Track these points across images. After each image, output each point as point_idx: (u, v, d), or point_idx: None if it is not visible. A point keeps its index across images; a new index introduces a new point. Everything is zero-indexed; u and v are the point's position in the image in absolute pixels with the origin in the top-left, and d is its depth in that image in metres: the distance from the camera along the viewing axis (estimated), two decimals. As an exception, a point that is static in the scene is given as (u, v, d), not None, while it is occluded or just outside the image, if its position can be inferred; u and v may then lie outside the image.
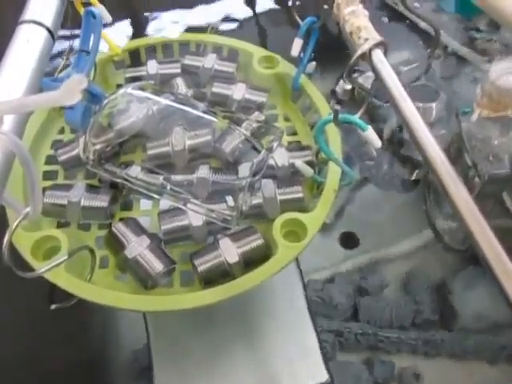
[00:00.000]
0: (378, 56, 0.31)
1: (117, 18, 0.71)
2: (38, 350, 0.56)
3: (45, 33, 0.33)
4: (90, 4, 0.47)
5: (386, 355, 0.63)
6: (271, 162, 0.47)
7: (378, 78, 0.31)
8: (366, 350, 0.64)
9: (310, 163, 0.47)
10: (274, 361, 0.53)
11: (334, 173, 0.45)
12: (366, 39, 0.31)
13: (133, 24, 0.70)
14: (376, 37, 0.32)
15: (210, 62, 0.54)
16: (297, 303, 0.58)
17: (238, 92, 0.51)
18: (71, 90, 0.23)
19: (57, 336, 0.59)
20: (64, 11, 0.38)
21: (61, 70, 0.41)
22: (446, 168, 0.25)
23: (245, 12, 0.69)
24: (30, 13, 0.34)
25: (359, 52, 0.32)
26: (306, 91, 0.51)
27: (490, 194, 0.44)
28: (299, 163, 0.45)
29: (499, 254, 0.23)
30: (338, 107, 0.60)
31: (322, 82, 0.65)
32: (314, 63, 0.53)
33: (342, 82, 0.56)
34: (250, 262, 0.42)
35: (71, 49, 0.40)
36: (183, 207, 0.43)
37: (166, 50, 0.57)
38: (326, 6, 0.41)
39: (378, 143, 0.41)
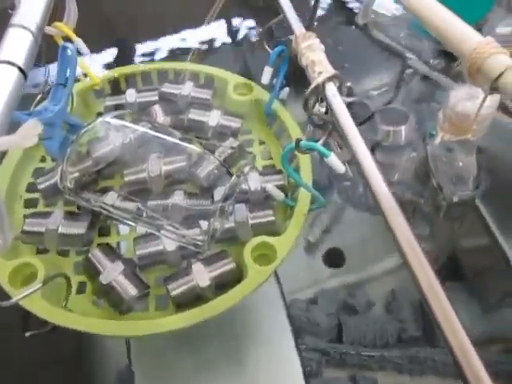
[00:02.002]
0: (330, 90, 0.33)
1: (103, 45, 0.74)
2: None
3: (16, 72, 0.34)
4: (68, 38, 0.49)
5: (370, 373, 0.64)
6: (244, 186, 0.49)
7: (330, 111, 0.32)
8: (351, 367, 0.64)
9: (282, 187, 0.48)
10: (257, 378, 0.54)
11: (303, 197, 0.46)
12: (320, 73, 0.33)
13: (119, 51, 0.72)
14: (330, 70, 0.33)
15: (186, 89, 0.55)
16: (279, 322, 0.59)
17: (213, 118, 0.53)
18: (27, 134, 0.25)
19: (42, 359, 0.60)
20: (38, 49, 0.40)
21: (36, 104, 0.43)
22: (391, 204, 0.27)
23: (226, 38, 0.71)
24: (1, 52, 0.35)
25: (313, 85, 0.33)
26: (279, 116, 0.52)
27: (457, 215, 0.45)
28: (270, 187, 0.47)
29: (440, 297, 0.24)
30: (313, 130, 0.61)
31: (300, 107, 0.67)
32: (287, 89, 0.54)
33: (317, 106, 0.57)
34: (222, 285, 0.43)
35: (46, 82, 0.42)
36: (157, 233, 0.45)
37: (145, 78, 0.58)
38: (291, 37, 0.43)
39: (341, 169, 0.42)
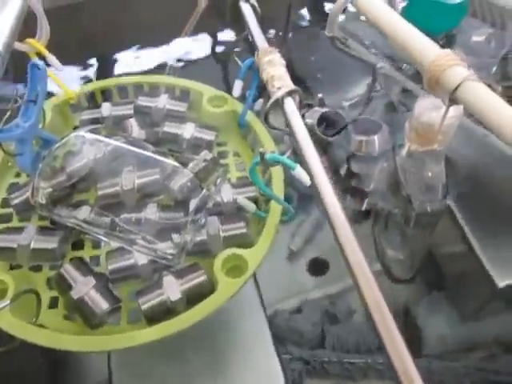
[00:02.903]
0: (288, 104, 0.33)
1: (83, 58, 0.74)
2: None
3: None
4: (40, 55, 0.49)
5: (353, 382, 0.64)
6: (218, 198, 0.49)
7: (288, 124, 0.32)
8: (333, 377, 0.64)
9: (254, 199, 0.49)
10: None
11: (275, 208, 0.46)
12: (279, 88, 0.33)
13: (99, 64, 0.73)
14: (289, 85, 0.33)
15: (162, 102, 0.56)
16: (260, 333, 0.59)
17: (188, 131, 0.53)
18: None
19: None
20: (5, 66, 0.40)
21: (6, 121, 0.43)
22: (342, 221, 0.27)
23: (204, 51, 0.72)
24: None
25: (272, 99, 0.34)
26: (253, 128, 0.53)
27: (426, 224, 0.45)
28: (241, 199, 0.47)
29: (385, 316, 0.24)
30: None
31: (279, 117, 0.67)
32: (260, 100, 0.55)
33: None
34: (194, 298, 0.43)
35: (16, 100, 0.42)
36: (128, 247, 0.45)
37: (121, 91, 0.59)
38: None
39: (307, 181, 0.42)
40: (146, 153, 0.50)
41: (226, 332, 0.58)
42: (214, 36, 0.75)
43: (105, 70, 0.72)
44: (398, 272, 0.55)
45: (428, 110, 0.40)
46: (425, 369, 0.64)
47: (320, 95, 0.55)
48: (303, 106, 0.57)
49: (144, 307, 0.42)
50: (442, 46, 0.66)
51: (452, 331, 0.65)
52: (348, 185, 0.58)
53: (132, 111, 0.56)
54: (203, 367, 0.55)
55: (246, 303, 0.62)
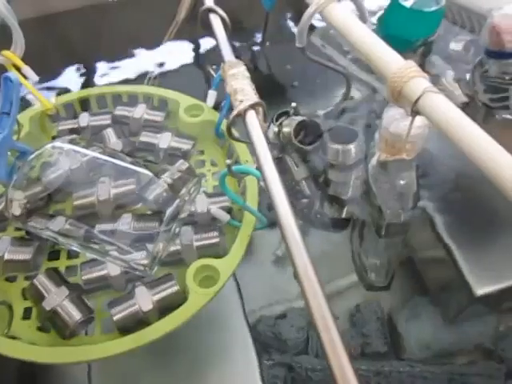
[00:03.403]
0: (250, 118, 0.33)
1: (64, 67, 0.75)
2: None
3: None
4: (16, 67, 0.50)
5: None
6: (192, 208, 0.49)
7: (249, 137, 0.33)
8: (318, 383, 0.64)
9: (229, 208, 0.49)
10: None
11: (248, 218, 0.47)
12: (241, 101, 0.34)
13: (81, 73, 0.73)
14: (251, 99, 0.34)
15: (139, 112, 0.56)
16: (242, 341, 0.59)
17: (164, 141, 0.54)
18: None
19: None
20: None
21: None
22: (293, 232, 0.27)
23: (185, 58, 0.72)
24: None
25: (234, 113, 0.34)
26: (227, 137, 0.53)
27: (397, 232, 0.45)
28: (214, 209, 0.47)
29: (329, 327, 0.24)
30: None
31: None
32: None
33: (272, 125, 0.58)
34: (167, 308, 0.43)
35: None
36: (101, 259, 0.45)
37: (99, 101, 0.59)
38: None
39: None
40: (122, 163, 0.50)
41: (207, 339, 0.58)
42: (195, 43, 0.76)
43: (87, 80, 0.72)
44: (374, 280, 0.56)
45: (396, 119, 0.40)
46: (407, 373, 0.64)
47: (294, 104, 0.55)
48: (284, 114, 0.57)
49: (116, 318, 0.43)
50: (423, 55, 0.67)
51: (434, 337, 0.65)
52: (326, 193, 0.59)
53: (109, 121, 0.56)
54: (183, 374, 0.56)
55: (228, 310, 0.63)
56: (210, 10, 0.42)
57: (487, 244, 0.62)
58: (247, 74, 0.36)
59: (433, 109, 0.33)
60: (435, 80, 0.66)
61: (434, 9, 0.58)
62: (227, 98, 0.52)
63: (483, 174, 0.31)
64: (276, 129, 0.58)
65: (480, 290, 0.60)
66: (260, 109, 0.35)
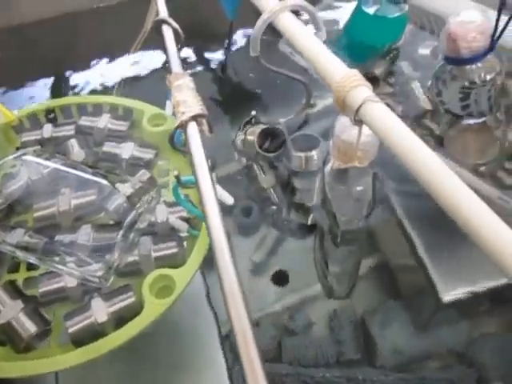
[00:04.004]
0: (190, 129, 0.33)
1: (35, 76, 0.75)
2: None
3: None
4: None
5: (311, 395, 0.64)
6: (152, 218, 0.49)
7: (188, 148, 0.33)
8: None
9: (189, 218, 0.49)
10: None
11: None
12: (183, 113, 0.34)
13: (53, 82, 0.74)
14: (193, 110, 0.34)
15: (103, 122, 0.56)
16: (213, 350, 0.60)
17: (127, 151, 0.54)
18: None
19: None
20: None
21: None
22: (222, 248, 0.27)
23: (154, 66, 0.72)
24: None
25: (176, 124, 0.34)
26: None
27: (352, 240, 0.45)
28: (173, 219, 0.47)
29: (248, 341, 0.24)
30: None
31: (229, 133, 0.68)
32: (201, 119, 0.55)
33: (239, 133, 0.58)
34: (123, 319, 0.43)
35: None
36: (58, 271, 0.45)
37: (65, 111, 0.59)
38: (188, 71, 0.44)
39: (229, 200, 0.43)
40: (83, 174, 0.51)
41: (177, 347, 0.58)
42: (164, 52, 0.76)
43: (57, 89, 0.72)
44: (335, 288, 0.56)
45: (347, 127, 0.40)
46: (380, 381, 0.64)
47: (253, 112, 0.55)
48: (250, 122, 0.57)
49: (71, 330, 0.42)
50: (391, 61, 0.67)
51: (406, 343, 0.65)
52: (292, 200, 0.59)
53: (73, 132, 0.56)
54: (152, 381, 0.56)
55: (199, 319, 0.63)
56: (163, 22, 0.42)
57: (456, 251, 0.62)
58: (192, 86, 0.36)
59: (372, 118, 0.34)
60: (404, 86, 0.66)
61: (396, 15, 0.58)
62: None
63: (418, 181, 0.31)
64: (242, 136, 0.58)
65: (447, 296, 0.60)
66: (203, 120, 0.35)
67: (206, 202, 0.30)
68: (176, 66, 0.38)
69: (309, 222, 0.59)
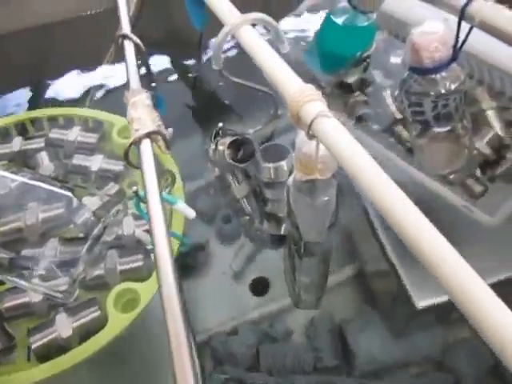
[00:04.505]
0: (143, 147, 0.33)
1: (13, 87, 0.75)
2: None
3: None
4: None
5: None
6: (119, 231, 0.49)
7: (140, 165, 0.33)
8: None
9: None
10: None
11: (172, 240, 0.47)
12: (137, 130, 0.34)
13: (29, 94, 0.74)
14: (147, 128, 0.34)
15: (73, 134, 0.56)
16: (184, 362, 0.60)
17: (96, 163, 0.54)
18: None
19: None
20: None
21: None
22: (166, 268, 0.27)
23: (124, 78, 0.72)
24: None
25: (130, 141, 0.34)
26: (158, 157, 0.53)
27: (314, 251, 0.46)
28: (138, 232, 0.47)
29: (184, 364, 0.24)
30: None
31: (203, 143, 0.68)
32: (170, 130, 0.55)
33: (211, 143, 0.58)
34: (88, 333, 0.43)
35: None
36: (22, 286, 0.45)
37: (38, 124, 0.59)
38: (153, 84, 0.44)
39: (191, 214, 0.43)
40: (50, 188, 0.51)
41: (154, 361, 0.58)
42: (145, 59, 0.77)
43: (32, 102, 0.72)
44: (303, 299, 0.56)
45: (307, 140, 0.40)
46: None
47: (220, 124, 0.55)
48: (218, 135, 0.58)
49: (34, 346, 0.43)
50: (364, 69, 0.67)
51: (383, 349, 0.65)
52: (264, 210, 0.59)
53: (43, 144, 0.56)
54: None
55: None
56: (124, 37, 0.43)
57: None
58: (147, 103, 0.36)
59: (324, 133, 0.34)
60: (376, 94, 0.66)
61: (365, 24, 0.59)
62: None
63: (362, 193, 0.31)
64: (213, 147, 0.58)
65: (421, 303, 0.60)
66: (158, 137, 0.35)
67: (153, 220, 0.30)
68: (134, 82, 0.39)
69: (281, 232, 0.59)
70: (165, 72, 0.75)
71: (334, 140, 0.33)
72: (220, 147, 0.56)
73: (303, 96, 0.36)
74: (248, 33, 0.43)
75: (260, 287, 0.76)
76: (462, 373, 0.63)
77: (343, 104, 0.66)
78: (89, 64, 0.73)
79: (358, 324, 0.68)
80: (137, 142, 0.34)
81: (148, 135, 0.34)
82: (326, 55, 0.63)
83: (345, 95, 0.66)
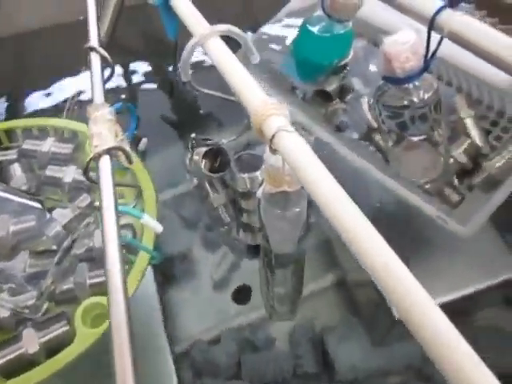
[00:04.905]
0: (102, 163, 0.33)
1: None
2: None
3: None
4: None
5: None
6: (91, 244, 0.49)
7: (98, 181, 0.33)
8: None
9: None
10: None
11: (143, 253, 0.46)
12: (96, 146, 0.33)
13: (5, 104, 0.73)
14: (106, 144, 0.34)
15: (47, 145, 0.56)
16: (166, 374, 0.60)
17: (69, 174, 0.53)
18: None
19: None
20: None
21: None
22: (116, 284, 0.27)
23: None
24: None
25: (89, 157, 0.34)
26: (132, 169, 0.53)
27: (285, 263, 0.45)
28: (108, 246, 0.47)
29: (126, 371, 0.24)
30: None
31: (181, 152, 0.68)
32: (145, 140, 0.55)
33: (187, 153, 0.58)
34: (56, 348, 0.43)
35: None
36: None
37: (10, 135, 0.59)
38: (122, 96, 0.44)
39: (158, 229, 0.43)
40: (22, 200, 0.50)
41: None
42: (125, 68, 0.76)
43: (9, 111, 0.72)
44: (278, 310, 0.55)
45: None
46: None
47: (193, 135, 0.55)
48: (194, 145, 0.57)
49: (0, 362, 0.42)
50: (344, 77, 0.67)
51: (364, 358, 0.65)
52: (240, 220, 0.59)
53: (15, 156, 0.56)
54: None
55: (151, 342, 0.63)
56: (91, 49, 0.42)
57: (408, 267, 0.62)
58: (109, 117, 0.36)
59: (284, 148, 0.34)
60: (354, 102, 0.66)
61: (341, 32, 0.58)
62: (130, 130, 0.53)
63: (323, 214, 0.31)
64: (189, 156, 0.58)
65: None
66: (119, 153, 0.35)
67: (106, 238, 0.29)
68: (98, 96, 0.38)
69: (257, 242, 0.58)
70: (146, 80, 0.75)
71: (293, 155, 0.33)
72: (195, 157, 0.56)
73: (266, 109, 0.35)
74: (215, 45, 0.42)
75: (242, 295, 0.75)
76: (441, 382, 0.63)
77: (322, 112, 0.66)
78: (65, 74, 0.72)
79: (339, 332, 0.67)
80: (96, 158, 0.34)
81: (108, 151, 0.34)
82: (302, 63, 0.62)
83: (324, 103, 0.66)
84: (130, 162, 0.36)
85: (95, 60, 0.42)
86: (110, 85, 0.76)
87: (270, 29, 0.73)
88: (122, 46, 0.76)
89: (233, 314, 0.73)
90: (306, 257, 0.55)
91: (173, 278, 0.71)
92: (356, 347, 0.67)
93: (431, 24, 0.44)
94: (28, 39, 0.77)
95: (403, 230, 0.65)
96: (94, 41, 0.44)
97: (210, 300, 0.76)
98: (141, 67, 0.78)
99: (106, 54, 0.43)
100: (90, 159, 0.34)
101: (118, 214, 0.40)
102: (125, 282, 0.27)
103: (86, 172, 0.35)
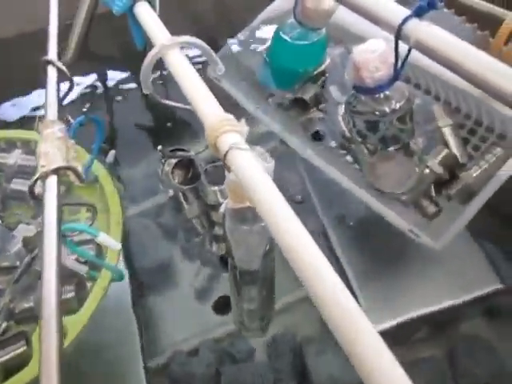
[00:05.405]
0: (49, 183, 0.32)
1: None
2: None
3: None
4: None
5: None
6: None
7: (42, 204, 0.32)
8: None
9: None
10: None
11: (105, 271, 0.45)
12: (42, 166, 0.32)
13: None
14: (54, 163, 0.32)
15: (13, 158, 0.55)
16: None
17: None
18: None
19: None
20: None
21: None
22: (51, 302, 0.26)
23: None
24: None
25: (35, 178, 0.33)
26: (100, 182, 0.52)
27: (252, 280, 0.44)
28: (70, 262, 0.46)
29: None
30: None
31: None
32: (113, 152, 0.54)
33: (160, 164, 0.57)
34: (14, 368, 0.42)
35: None
36: None
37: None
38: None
39: (115, 245, 0.41)
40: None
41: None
42: (102, 76, 0.75)
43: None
44: (248, 326, 0.54)
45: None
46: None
47: (159, 147, 0.54)
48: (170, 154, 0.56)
49: (-46, 384, 0.41)
50: (321, 85, 0.66)
51: (342, 371, 0.64)
52: (212, 232, 0.58)
53: (-19, 169, 0.55)
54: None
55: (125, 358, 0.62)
56: (48, 62, 0.41)
57: (385, 282, 0.61)
58: (59, 135, 0.34)
59: (236, 165, 0.33)
60: (332, 111, 0.65)
61: (314, 40, 0.57)
62: (96, 142, 0.52)
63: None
64: (161, 167, 0.57)
65: (377, 327, 0.59)
66: (68, 172, 0.34)
67: (45, 258, 0.28)
68: (51, 112, 0.37)
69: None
70: (122, 89, 0.74)
71: (244, 172, 0.32)
72: (166, 168, 0.55)
73: (221, 125, 0.34)
74: (175, 57, 0.41)
75: (223, 306, 0.74)
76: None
77: (300, 120, 0.65)
78: (33, 85, 0.71)
79: (319, 344, 0.66)
80: (43, 177, 0.33)
81: (55, 171, 0.33)
82: (277, 71, 0.61)
83: (301, 111, 0.65)
84: (81, 180, 0.35)
85: (52, 74, 0.41)
86: (86, 93, 0.75)
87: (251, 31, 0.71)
88: (95, 54, 0.75)
89: (213, 324, 0.72)
90: (282, 268, 0.54)
91: (153, 288, 0.70)
92: (335, 359, 0.66)
93: (398, 33, 0.43)
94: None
95: (381, 242, 0.64)
96: (52, 54, 0.43)
97: (190, 310, 0.75)
98: (116, 75, 0.77)
99: (63, 67, 0.41)
100: (36, 179, 0.33)
101: (72, 231, 0.39)
102: (59, 307, 0.26)
103: (31, 191, 0.34)
